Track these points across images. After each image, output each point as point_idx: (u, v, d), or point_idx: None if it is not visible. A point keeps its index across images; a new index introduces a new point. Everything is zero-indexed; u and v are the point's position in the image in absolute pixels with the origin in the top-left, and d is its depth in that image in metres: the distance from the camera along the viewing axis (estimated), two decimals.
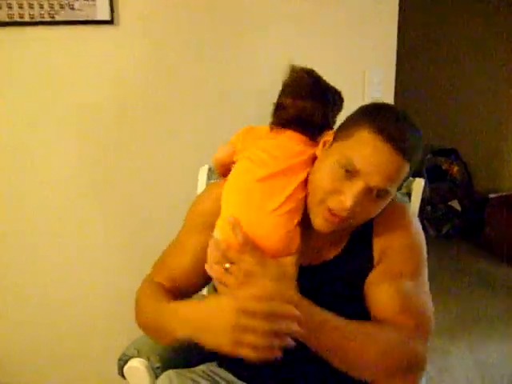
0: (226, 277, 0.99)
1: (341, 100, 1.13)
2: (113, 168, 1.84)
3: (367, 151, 0.95)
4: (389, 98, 2.03)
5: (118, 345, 1.28)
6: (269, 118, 1.12)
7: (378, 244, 1.09)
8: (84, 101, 1.76)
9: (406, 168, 0.98)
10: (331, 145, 1.03)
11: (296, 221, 1.02)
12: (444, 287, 2.99)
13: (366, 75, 1.99)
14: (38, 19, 1.65)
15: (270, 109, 1.13)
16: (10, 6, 1.62)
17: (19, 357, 1.92)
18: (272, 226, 1.00)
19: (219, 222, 1.04)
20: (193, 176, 1.50)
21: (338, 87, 1.92)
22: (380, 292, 1.04)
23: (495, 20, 3.70)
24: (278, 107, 1.11)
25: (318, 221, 1.01)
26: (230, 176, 1.08)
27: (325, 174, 0.99)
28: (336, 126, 1.09)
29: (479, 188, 3.88)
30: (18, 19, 1.64)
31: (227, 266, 0.99)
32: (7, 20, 1.64)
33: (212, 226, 1.05)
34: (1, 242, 1.81)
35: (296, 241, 1.02)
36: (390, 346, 0.97)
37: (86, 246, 1.88)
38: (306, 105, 1.07)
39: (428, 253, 1.11)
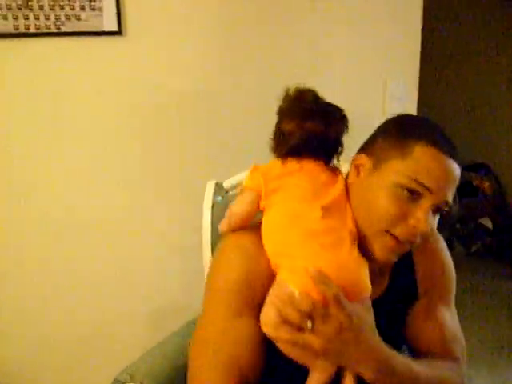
0: (308, 338, 0.82)
1: (344, 118, 1.00)
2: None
3: (434, 167, 0.88)
4: (411, 112, 1.93)
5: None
6: None
7: (421, 275, 1.05)
8: (92, 112, 1.73)
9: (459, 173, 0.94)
10: (375, 168, 0.93)
11: (363, 258, 0.91)
12: (468, 310, 2.84)
13: (387, 87, 1.90)
14: (44, 30, 1.62)
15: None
16: (15, 18, 1.60)
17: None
18: (357, 268, 0.89)
19: (288, 276, 0.87)
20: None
21: (357, 99, 1.93)
22: (426, 326, 1.03)
23: None
24: (281, 135, 0.98)
25: (382, 252, 0.92)
26: (270, 224, 0.93)
27: (385, 200, 0.89)
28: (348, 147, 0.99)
29: None
30: (24, 30, 1.61)
31: (309, 325, 0.82)
32: (13, 31, 1.61)
33: (263, 296, 0.88)
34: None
35: (368, 277, 0.91)
36: (455, 381, 0.98)
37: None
38: (314, 126, 0.95)
39: (456, 272, 1.11)
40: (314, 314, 0.82)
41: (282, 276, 0.87)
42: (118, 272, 1.87)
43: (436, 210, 0.91)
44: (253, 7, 1.74)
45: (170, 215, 1.84)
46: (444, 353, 1.00)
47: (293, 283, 0.85)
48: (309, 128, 0.95)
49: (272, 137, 0.99)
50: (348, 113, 1.80)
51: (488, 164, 3.72)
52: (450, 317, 1.04)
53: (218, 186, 1.41)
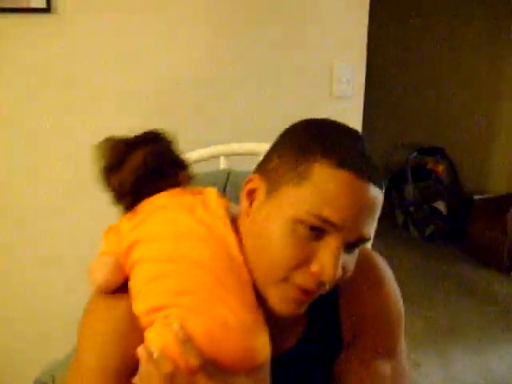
0: None
1: (159, 134, 0.87)
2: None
3: (341, 195, 0.67)
4: (359, 96, 1.91)
5: None
6: None
7: (348, 317, 0.86)
8: (26, 96, 1.64)
9: (382, 198, 0.73)
10: (269, 195, 0.73)
11: (261, 316, 0.73)
12: (420, 292, 2.91)
13: (333, 71, 1.86)
14: None
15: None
16: None
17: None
18: (251, 328, 0.72)
19: (153, 334, 0.72)
20: None
21: (305, 83, 1.90)
22: (354, 381, 0.85)
23: (478, 12, 3.57)
24: (117, 191, 0.82)
25: (281, 305, 0.73)
26: (141, 281, 0.76)
27: (279, 241, 0.69)
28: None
29: (466, 189, 3.75)
30: None
31: None
32: None
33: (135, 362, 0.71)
34: None
35: (267, 343, 0.73)
36: None
37: None
38: (136, 160, 0.82)
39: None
40: (179, 382, 0.67)
41: (147, 334, 0.72)
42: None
43: (350, 246, 0.71)
44: None
45: None
46: None
47: (156, 342, 0.70)
48: (134, 166, 0.81)
49: (112, 197, 0.84)
50: (296, 99, 1.82)
51: (442, 147, 3.75)
52: (390, 373, 0.86)
53: None
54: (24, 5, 1.55)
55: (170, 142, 0.85)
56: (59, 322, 1.74)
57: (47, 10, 1.56)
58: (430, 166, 3.69)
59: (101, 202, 0.85)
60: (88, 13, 1.62)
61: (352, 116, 1.91)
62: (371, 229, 0.71)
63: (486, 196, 3.54)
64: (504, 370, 2.34)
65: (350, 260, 0.73)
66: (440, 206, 3.61)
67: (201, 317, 0.70)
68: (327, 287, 0.72)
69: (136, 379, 0.71)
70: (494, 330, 2.64)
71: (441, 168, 3.68)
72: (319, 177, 0.68)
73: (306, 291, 0.71)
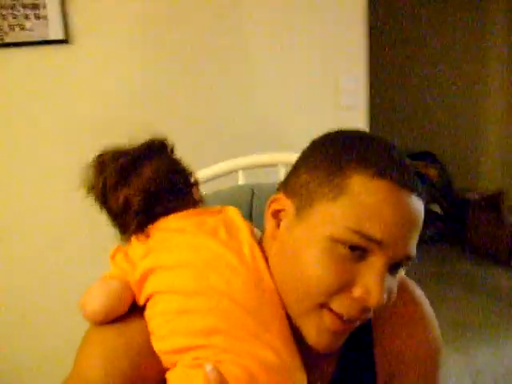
0: None
1: (165, 143, 0.78)
2: None
3: (383, 208, 0.60)
4: (363, 104, 1.98)
5: None
6: None
7: (383, 356, 0.76)
8: (40, 123, 1.67)
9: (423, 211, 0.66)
10: (300, 215, 0.65)
11: (298, 354, 0.65)
12: (430, 293, 2.91)
13: (339, 82, 1.93)
14: None
15: None
16: None
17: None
18: (292, 368, 0.63)
19: (176, 375, 0.63)
20: None
21: (312, 95, 1.96)
22: None
23: (467, 19, 3.70)
24: (118, 213, 0.73)
25: (318, 337, 0.64)
26: (162, 316, 0.66)
27: (317, 264, 0.61)
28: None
29: (458, 189, 3.85)
30: None
31: None
32: None
33: None
34: None
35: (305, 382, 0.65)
36: None
37: None
38: (146, 174, 0.72)
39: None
40: None
41: (170, 377, 0.63)
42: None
43: (395, 265, 0.64)
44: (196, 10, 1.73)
45: None
46: None
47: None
48: (143, 180, 0.72)
49: (111, 222, 0.75)
50: (302, 110, 1.87)
51: (433, 152, 3.85)
52: None
53: None
54: None
55: (174, 153, 0.77)
56: None
57: None
58: (421, 170, 3.78)
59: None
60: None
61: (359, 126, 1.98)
62: (415, 246, 0.64)
63: (478, 194, 3.64)
64: None
65: (394, 283, 0.65)
66: (436, 208, 3.70)
67: (238, 357, 0.61)
68: (370, 315, 0.65)
69: None
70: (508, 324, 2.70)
71: (432, 172, 3.77)
72: (357, 189, 0.61)
73: (346, 320, 0.63)
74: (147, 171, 0.72)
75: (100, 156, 0.74)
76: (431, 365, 0.78)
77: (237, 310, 0.63)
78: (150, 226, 0.72)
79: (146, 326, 0.65)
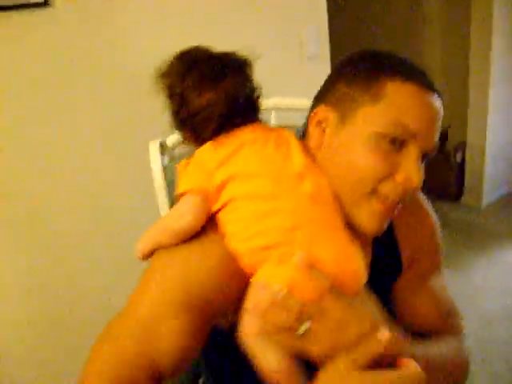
0: (302, 340, 0.66)
1: (246, 64, 0.80)
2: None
3: (416, 105, 0.74)
4: (325, 55, 2.08)
5: None
6: None
7: (406, 246, 0.93)
8: (21, 91, 1.63)
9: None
10: (343, 121, 0.77)
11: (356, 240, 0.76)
12: None
13: (302, 34, 2.03)
14: None
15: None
16: None
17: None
18: (354, 253, 0.73)
19: (271, 272, 0.69)
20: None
21: (277, 50, 2.03)
22: (419, 301, 0.93)
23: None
24: (196, 115, 0.76)
25: (371, 221, 0.77)
26: (240, 221, 0.72)
27: (366, 157, 0.74)
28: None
29: None
30: None
31: (308, 325, 0.65)
32: None
33: (207, 304, 0.71)
34: None
35: (364, 263, 0.75)
36: (461, 360, 0.91)
37: None
38: (232, 83, 0.76)
39: None
40: (310, 312, 0.66)
41: (261, 274, 0.69)
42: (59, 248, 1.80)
43: (422, 158, 0.78)
44: None
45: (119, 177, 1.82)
46: (443, 329, 0.91)
47: (277, 279, 0.67)
48: (228, 88, 0.75)
49: (178, 126, 0.79)
50: (268, 61, 1.94)
51: None
52: (441, 286, 0.96)
53: (162, 146, 1.28)
54: None
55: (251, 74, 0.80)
56: None
57: None
58: None
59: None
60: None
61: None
62: (438, 139, 0.79)
63: None
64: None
65: (423, 171, 0.78)
66: None
67: (324, 243, 0.70)
68: (408, 198, 0.78)
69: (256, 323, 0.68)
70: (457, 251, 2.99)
71: None
72: (393, 92, 0.74)
73: (389, 205, 0.76)
74: (233, 81, 0.76)
75: (187, 53, 0.79)
76: (438, 248, 0.97)
77: (311, 209, 0.72)
78: (221, 136, 0.76)
79: (221, 239, 0.73)
